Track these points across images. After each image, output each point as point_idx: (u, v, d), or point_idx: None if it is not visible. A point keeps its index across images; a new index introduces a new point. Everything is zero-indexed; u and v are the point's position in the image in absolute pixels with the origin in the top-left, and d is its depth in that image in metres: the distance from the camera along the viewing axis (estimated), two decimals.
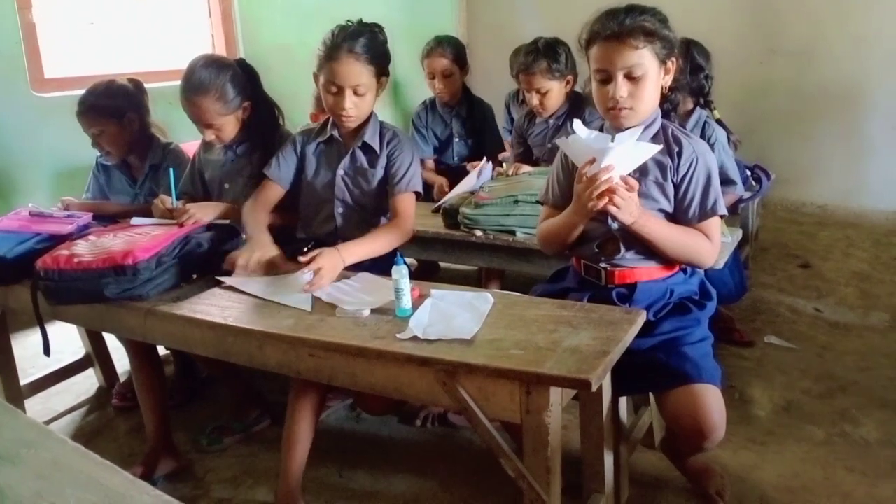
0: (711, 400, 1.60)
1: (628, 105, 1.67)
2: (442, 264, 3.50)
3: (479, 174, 2.69)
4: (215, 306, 1.74)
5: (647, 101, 1.69)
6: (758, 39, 4.50)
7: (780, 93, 4.48)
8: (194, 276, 1.89)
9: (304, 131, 2.22)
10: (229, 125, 2.21)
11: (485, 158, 2.83)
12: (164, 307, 1.76)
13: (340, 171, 2.11)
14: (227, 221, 2.10)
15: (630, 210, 1.59)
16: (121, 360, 2.54)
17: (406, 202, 2.08)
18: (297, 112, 3.30)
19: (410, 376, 1.49)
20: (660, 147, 1.64)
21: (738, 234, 2.37)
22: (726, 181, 2.57)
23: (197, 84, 2.14)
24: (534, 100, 2.85)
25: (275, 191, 2.16)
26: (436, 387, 1.45)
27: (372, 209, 2.13)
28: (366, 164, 2.10)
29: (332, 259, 1.83)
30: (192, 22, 3.99)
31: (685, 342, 1.67)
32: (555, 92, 2.83)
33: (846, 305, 3.09)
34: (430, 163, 3.36)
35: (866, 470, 1.97)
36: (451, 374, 1.43)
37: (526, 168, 2.74)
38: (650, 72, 1.66)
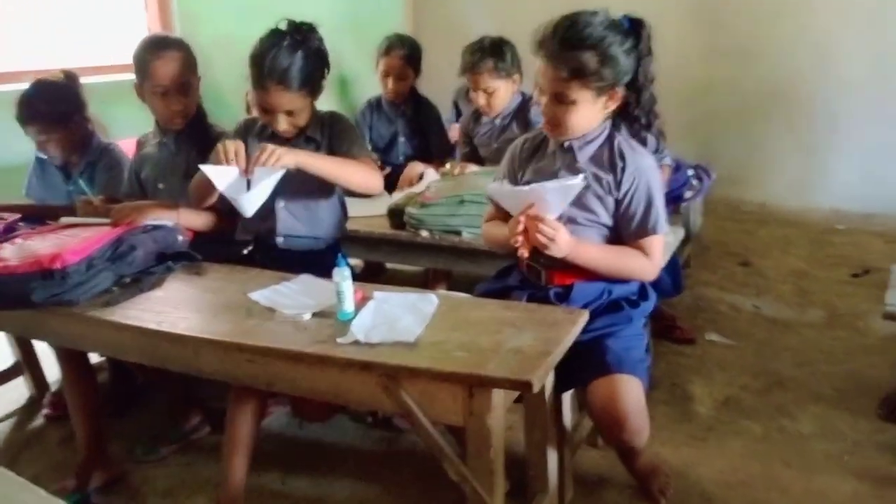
0: (627, 389, 1.60)
1: (556, 124, 1.68)
2: (388, 265, 3.46)
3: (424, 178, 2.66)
4: (149, 311, 1.67)
5: (577, 124, 1.68)
6: (699, 38, 4.56)
7: (721, 92, 4.54)
8: (127, 280, 1.80)
9: (240, 127, 2.14)
10: (193, 99, 2.17)
11: (424, 173, 2.77)
12: (95, 312, 1.68)
13: None
14: (165, 221, 2.01)
15: (559, 248, 1.61)
16: (53, 368, 2.43)
17: (369, 163, 2.06)
18: (237, 108, 3.22)
19: (351, 381, 1.46)
20: (583, 183, 1.63)
21: (680, 233, 2.41)
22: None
23: (171, 41, 2.16)
24: (480, 99, 2.83)
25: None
26: (378, 391, 1.43)
27: (315, 201, 2.07)
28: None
29: (285, 148, 1.83)
30: (126, 15, 3.85)
31: (611, 336, 1.69)
32: (502, 91, 2.81)
33: (784, 302, 3.16)
34: None
35: (803, 464, 2.02)
36: (393, 377, 1.40)
37: (472, 167, 2.73)
38: (582, 100, 1.64)
